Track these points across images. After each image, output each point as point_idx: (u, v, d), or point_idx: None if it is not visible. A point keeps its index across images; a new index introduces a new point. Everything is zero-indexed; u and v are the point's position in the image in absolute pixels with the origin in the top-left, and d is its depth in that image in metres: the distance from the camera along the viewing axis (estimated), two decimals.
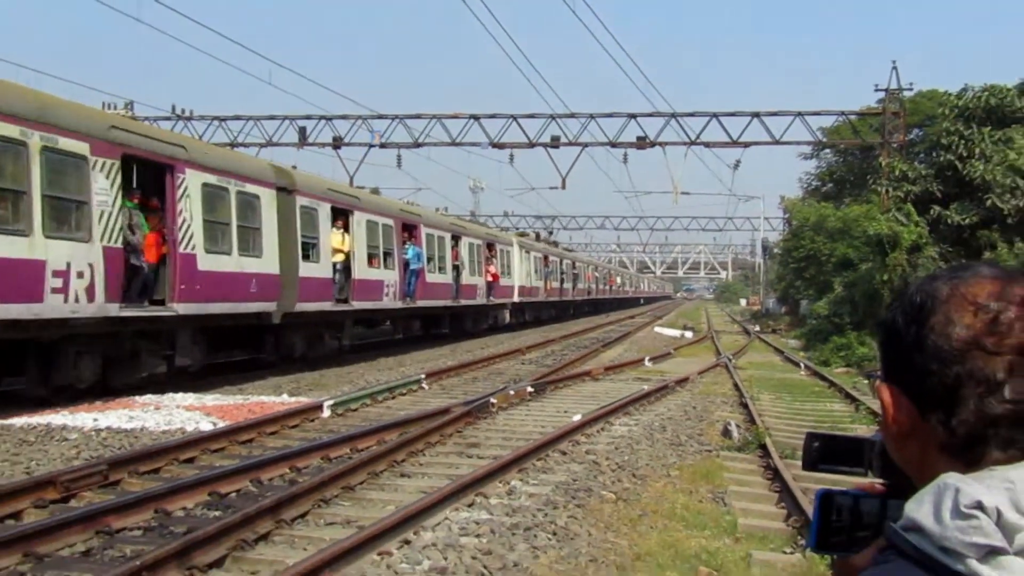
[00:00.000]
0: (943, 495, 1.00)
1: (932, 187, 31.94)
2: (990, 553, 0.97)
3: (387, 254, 26.07)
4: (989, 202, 28.38)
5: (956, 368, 1.03)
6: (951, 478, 1.02)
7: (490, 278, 37.35)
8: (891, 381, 1.11)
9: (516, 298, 42.17)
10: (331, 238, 22.48)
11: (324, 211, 22.13)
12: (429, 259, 29.45)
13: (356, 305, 23.87)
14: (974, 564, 0.97)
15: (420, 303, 28.64)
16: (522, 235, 51.33)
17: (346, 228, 23.38)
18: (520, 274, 42.98)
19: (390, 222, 26.64)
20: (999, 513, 0.97)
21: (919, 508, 1.02)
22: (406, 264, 27.28)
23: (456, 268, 32.69)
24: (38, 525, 7.09)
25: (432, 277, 29.77)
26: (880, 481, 1.27)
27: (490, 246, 38.74)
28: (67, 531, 7.09)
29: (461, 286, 33.09)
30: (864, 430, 14.12)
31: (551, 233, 72.09)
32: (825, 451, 1.35)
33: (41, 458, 10.26)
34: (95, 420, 12.55)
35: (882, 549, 1.07)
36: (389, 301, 26.02)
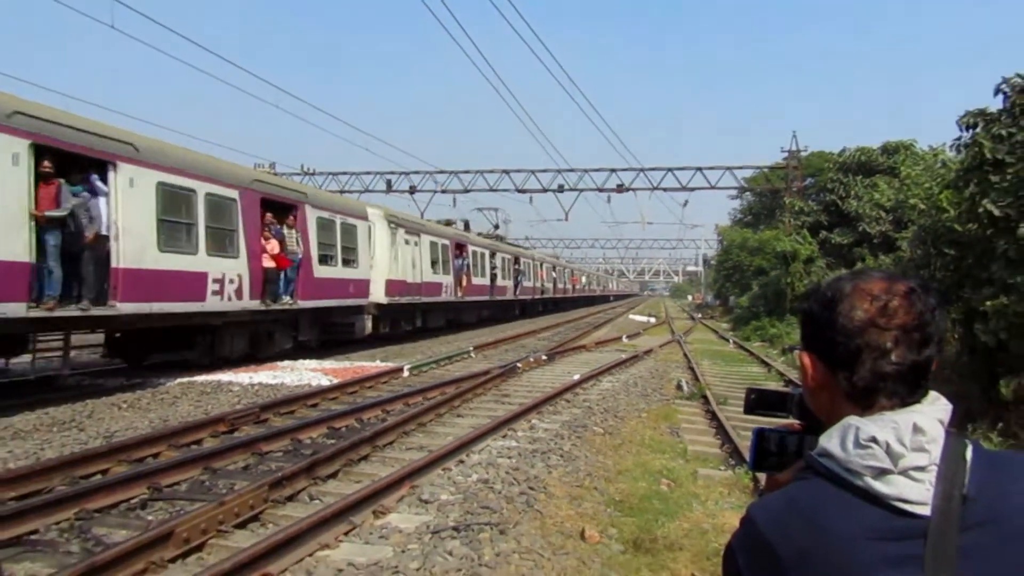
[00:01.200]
0: (847, 431, 0.99)
1: (821, 218, 31.76)
2: (881, 473, 0.96)
3: None
4: (861, 228, 28.22)
5: (857, 340, 1.03)
6: (853, 420, 1.00)
7: (271, 263, 14.82)
8: (809, 350, 1.10)
9: (382, 298, 19.88)
10: None
11: None
12: None
13: None
14: (869, 480, 0.96)
15: None
16: (448, 223, 28.93)
17: None
18: (398, 265, 20.82)
19: None
20: (888, 445, 0.95)
21: (829, 440, 1.01)
22: None
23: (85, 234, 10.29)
24: (213, 449, 7.17)
25: None
26: (798, 422, 1.26)
27: (283, 208, 15.57)
28: (232, 453, 7.16)
29: (121, 271, 10.83)
30: (775, 385, 13.97)
31: (496, 227, 39.96)
32: (759, 400, 1.33)
33: (215, 403, 10.37)
34: (250, 378, 12.64)
35: (802, 469, 1.06)
36: None
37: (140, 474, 6.07)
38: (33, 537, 4.90)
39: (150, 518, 5.43)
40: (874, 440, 0.96)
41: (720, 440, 9.00)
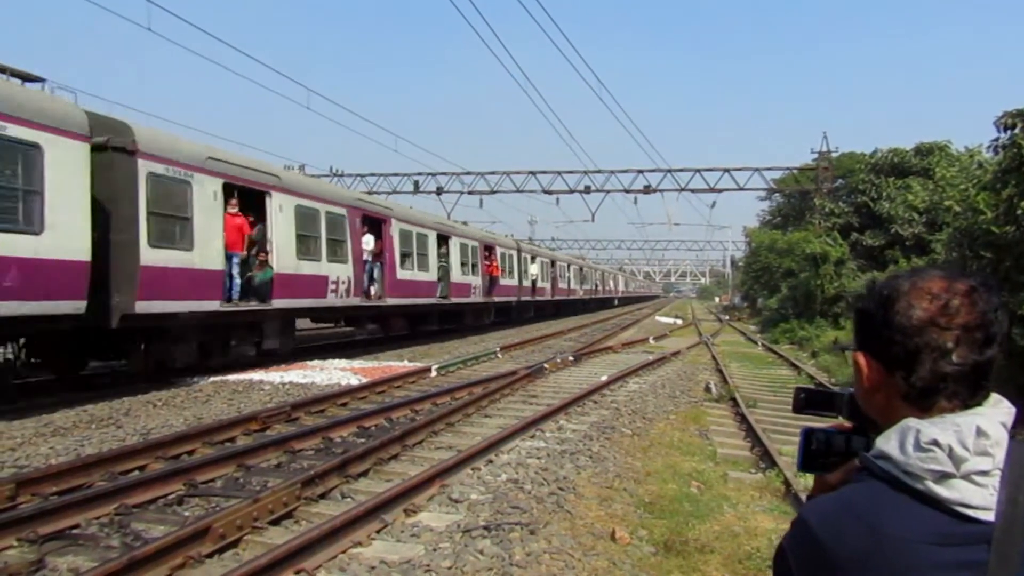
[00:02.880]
0: (906, 434, 0.97)
1: (852, 220, 31.24)
2: (943, 477, 0.94)
3: None
4: (893, 230, 27.71)
5: (916, 339, 1.00)
6: (912, 422, 0.98)
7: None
8: (864, 350, 1.08)
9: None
10: None
11: None
12: None
13: None
14: (930, 484, 0.94)
15: None
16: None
17: None
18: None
19: None
20: (950, 448, 0.93)
21: (887, 442, 0.99)
22: None
23: None
24: (246, 447, 7.27)
25: None
26: (847, 422, 1.24)
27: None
28: (265, 450, 7.25)
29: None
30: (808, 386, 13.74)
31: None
32: (809, 400, 1.31)
33: (247, 402, 10.50)
34: (281, 377, 12.78)
35: (857, 471, 1.04)
36: None
37: (177, 471, 6.18)
38: (75, 531, 5.01)
39: (187, 514, 5.51)
40: (936, 443, 0.94)
41: (750, 443, 8.90)
